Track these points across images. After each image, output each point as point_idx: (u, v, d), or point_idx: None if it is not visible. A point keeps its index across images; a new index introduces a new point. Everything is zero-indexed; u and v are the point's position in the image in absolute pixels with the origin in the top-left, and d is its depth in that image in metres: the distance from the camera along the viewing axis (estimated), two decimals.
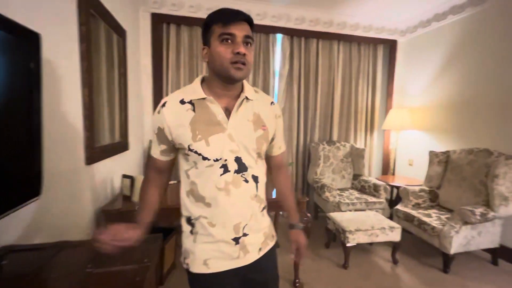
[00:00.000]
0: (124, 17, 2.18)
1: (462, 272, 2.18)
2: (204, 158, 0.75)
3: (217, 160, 0.76)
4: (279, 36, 3.20)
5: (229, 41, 0.72)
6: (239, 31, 0.72)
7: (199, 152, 0.75)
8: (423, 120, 3.27)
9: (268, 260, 0.89)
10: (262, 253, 0.87)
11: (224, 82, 0.77)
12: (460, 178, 2.52)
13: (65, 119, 1.30)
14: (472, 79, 2.71)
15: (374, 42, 3.43)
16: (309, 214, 1.90)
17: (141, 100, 2.83)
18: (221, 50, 0.72)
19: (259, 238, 0.86)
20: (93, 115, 1.50)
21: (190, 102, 0.76)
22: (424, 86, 3.27)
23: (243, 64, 0.72)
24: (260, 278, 0.88)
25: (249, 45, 0.75)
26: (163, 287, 1.94)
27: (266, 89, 3.20)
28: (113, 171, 1.95)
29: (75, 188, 1.40)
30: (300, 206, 1.88)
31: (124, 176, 1.81)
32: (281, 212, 3.19)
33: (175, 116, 0.75)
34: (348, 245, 2.19)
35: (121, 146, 2.07)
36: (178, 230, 2.22)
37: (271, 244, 0.92)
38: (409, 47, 3.50)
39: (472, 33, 2.70)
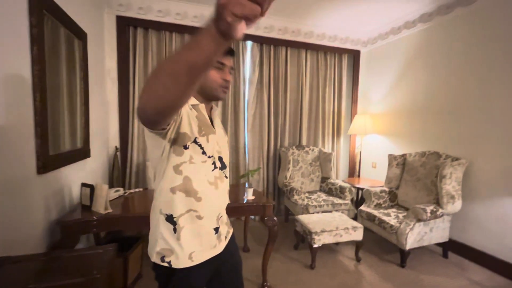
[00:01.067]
0: (86, 19, 2.10)
1: (417, 266, 2.36)
2: (203, 153, 0.84)
3: (210, 157, 0.87)
4: (249, 44, 3.27)
5: (220, 69, 0.87)
6: (228, 62, 0.89)
7: (202, 145, 0.84)
8: (384, 125, 3.51)
9: (232, 244, 1.05)
10: (227, 240, 1.00)
11: (208, 98, 0.92)
12: (415, 179, 2.73)
13: (13, 126, 1.22)
14: (424, 88, 2.97)
15: (339, 51, 3.63)
16: (275, 218, 1.95)
17: (106, 105, 2.72)
18: (213, 74, 0.86)
19: (225, 227, 1.00)
20: (46, 121, 1.43)
21: (191, 106, 0.86)
22: (384, 93, 3.52)
23: (227, 88, 0.90)
24: (231, 261, 1.03)
25: (231, 73, 0.92)
26: None
27: (237, 96, 3.24)
28: (72, 180, 1.85)
29: (26, 199, 1.32)
30: (268, 210, 1.93)
31: (83, 184, 1.73)
32: (252, 217, 3.22)
33: (186, 110, 0.82)
34: (314, 246, 2.27)
35: (82, 153, 1.98)
36: (145, 239, 2.16)
37: (231, 231, 1.07)
38: (371, 57, 3.75)
39: (424, 46, 2.98)
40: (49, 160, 1.47)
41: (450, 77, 2.71)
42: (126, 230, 1.74)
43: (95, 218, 1.53)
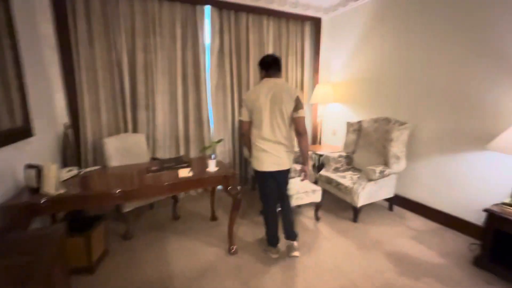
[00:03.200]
0: None
1: (366, 219, 2.67)
2: None
3: None
4: (207, 9, 3.05)
5: None
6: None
7: None
8: (344, 94, 3.66)
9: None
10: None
11: None
12: (369, 143, 2.97)
13: None
14: (379, 57, 3.10)
15: (301, 19, 3.56)
16: (239, 187, 2.02)
17: (47, 78, 2.43)
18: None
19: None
20: None
21: None
22: (344, 62, 3.62)
23: None
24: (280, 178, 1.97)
25: None
26: (95, 276, 1.87)
27: (196, 64, 3.09)
28: (13, 163, 1.69)
29: None
30: (231, 180, 1.98)
31: (28, 166, 1.60)
32: (219, 187, 3.29)
33: None
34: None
35: (22, 132, 1.79)
36: (106, 217, 2.12)
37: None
38: (332, 25, 3.76)
39: (380, 15, 3.05)
40: None
41: (400, 46, 2.85)
42: (85, 209, 1.68)
43: (43, 200, 1.45)
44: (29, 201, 1.44)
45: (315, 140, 4.02)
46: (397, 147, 2.60)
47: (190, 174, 1.93)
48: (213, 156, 2.06)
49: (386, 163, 2.68)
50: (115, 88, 2.76)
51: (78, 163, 2.68)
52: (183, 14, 2.93)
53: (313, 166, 3.27)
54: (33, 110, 1.96)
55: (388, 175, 2.60)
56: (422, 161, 2.73)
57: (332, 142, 3.90)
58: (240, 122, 2.07)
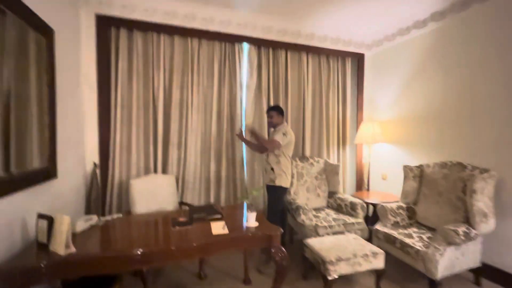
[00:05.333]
0: (53, 14, 1.77)
1: None
2: None
3: None
4: (245, 45, 2.97)
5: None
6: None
7: None
8: (394, 133, 3.22)
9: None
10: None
11: None
12: (436, 193, 2.42)
13: None
14: (439, 91, 2.70)
15: (342, 55, 3.37)
16: (284, 250, 1.59)
17: (81, 116, 2.35)
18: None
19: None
20: None
21: None
22: (393, 99, 3.25)
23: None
24: None
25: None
26: None
27: (232, 102, 2.92)
28: (28, 209, 1.47)
29: None
30: (273, 240, 1.57)
31: (40, 216, 1.35)
32: None
33: None
34: (329, 278, 1.91)
35: (44, 173, 1.60)
36: (121, 277, 1.76)
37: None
38: (376, 61, 3.50)
39: (435, 47, 2.73)
40: None
41: (467, 79, 2.44)
42: (96, 274, 1.36)
43: (43, 265, 1.14)
44: (26, 266, 1.14)
45: (361, 185, 3.50)
46: (482, 201, 2.03)
47: (225, 230, 1.56)
48: (250, 207, 1.70)
49: (467, 221, 2.10)
50: (148, 126, 2.63)
51: (102, 206, 2.45)
52: (221, 51, 2.86)
53: (365, 217, 2.73)
54: (61, 149, 1.80)
55: (475, 238, 2.00)
56: None
57: (383, 189, 3.35)
58: (279, 144, 2.42)
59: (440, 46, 2.69)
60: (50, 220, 1.31)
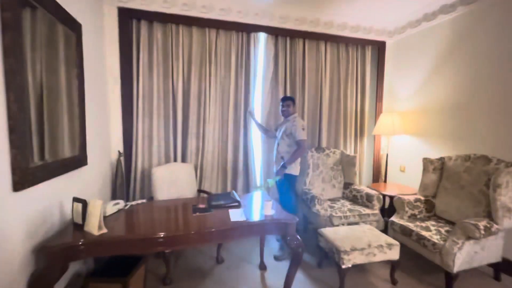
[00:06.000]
0: (80, 8, 1.86)
1: None
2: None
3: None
4: (262, 36, 2.96)
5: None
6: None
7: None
8: (414, 124, 3.12)
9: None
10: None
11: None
12: (458, 187, 2.36)
13: None
14: (465, 81, 2.58)
15: (362, 43, 3.26)
16: (299, 238, 1.64)
17: (106, 107, 2.48)
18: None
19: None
20: (24, 126, 1.17)
21: None
22: (414, 89, 3.13)
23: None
24: None
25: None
26: None
27: (249, 92, 2.94)
28: (64, 193, 1.61)
29: None
30: (289, 228, 1.62)
31: (75, 199, 1.48)
32: None
33: None
34: (343, 267, 1.95)
35: (76, 161, 1.73)
36: (147, 259, 1.90)
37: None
38: (398, 49, 3.36)
39: (464, 33, 2.58)
40: (30, 173, 1.22)
41: (498, 67, 2.31)
42: (125, 253, 1.48)
43: (81, 243, 1.27)
44: (67, 244, 1.27)
45: (378, 177, 3.46)
46: (507, 196, 1.97)
47: (243, 217, 1.63)
48: (267, 197, 1.75)
49: (489, 215, 2.04)
50: (168, 116, 2.72)
51: (127, 192, 2.61)
52: (239, 42, 2.86)
53: (381, 209, 2.72)
54: (90, 139, 1.93)
55: (496, 233, 1.95)
56: None
57: (400, 180, 3.29)
58: (304, 141, 2.48)
59: (468, 32, 2.54)
60: (85, 204, 1.43)
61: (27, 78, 1.22)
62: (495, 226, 1.93)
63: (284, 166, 2.45)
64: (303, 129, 2.48)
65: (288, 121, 2.56)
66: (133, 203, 1.92)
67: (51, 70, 1.48)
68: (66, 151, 1.63)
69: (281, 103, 2.63)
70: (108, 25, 2.47)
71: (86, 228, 1.41)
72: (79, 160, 1.76)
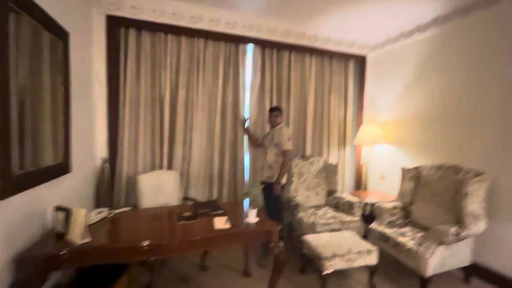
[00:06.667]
0: (69, 17, 1.86)
1: None
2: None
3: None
4: (250, 47, 3.05)
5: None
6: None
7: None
8: (394, 134, 3.29)
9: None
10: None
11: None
12: (431, 195, 2.50)
13: None
14: (439, 94, 2.77)
15: (345, 57, 3.43)
16: (282, 245, 1.70)
17: (92, 113, 2.46)
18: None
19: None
20: (7, 135, 1.18)
21: None
22: (393, 100, 3.31)
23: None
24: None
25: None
26: None
27: (236, 102, 3.01)
28: (46, 201, 1.59)
29: None
30: (272, 236, 1.68)
31: (58, 208, 1.47)
32: None
33: None
34: (324, 272, 2.02)
35: (60, 169, 1.72)
36: (131, 267, 1.89)
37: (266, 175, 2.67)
38: (379, 63, 3.55)
39: (437, 51, 2.78)
40: (12, 181, 1.21)
41: (468, 83, 2.51)
42: (109, 262, 1.48)
43: (64, 252, 1.27)
44: (49, 253, 1.26)
45: (359, 185, 3.59)
46: (474, 204, 2.12)
47: (227, 225, 1.67)
48: (250, 205, 1.80)
49: (459, 222, 2.18)
50: (155, 123, 2.73)
51: (111, 199, 2.58)
52: (226, 52, 2.94)
53: (362, 216, 2.83)
54: (74, 145, 1.91)
55: (465, 238, 2.09)
56: (507, 221, 2.18)
57: (380, 189, 3.44)
58: (289, 151, 2.56)
59: (441, 50, 2.74)
60: (68, 212, 1.43)
61: (10, 85, 1.21)
62: (464, 232, 2.07)
63: (278, 182, 2.52)
64: (289, 139, 2.56)
65: (275, 130, 2.64)
66: (117, 211, 1.91)
67: (35, 77, 1.48)
68: (50, 159, 1.61)
69: (269, 113, 2.70)
70: (96, 32, 2.47)
71: (68, 237, 1.40)
72: (62, 168, 1.74)
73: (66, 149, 1.78)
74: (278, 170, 2.56)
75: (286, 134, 2.56)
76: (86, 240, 1.39)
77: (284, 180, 2.63)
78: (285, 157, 2.54)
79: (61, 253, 1.26)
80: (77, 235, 1.37)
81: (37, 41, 1.48)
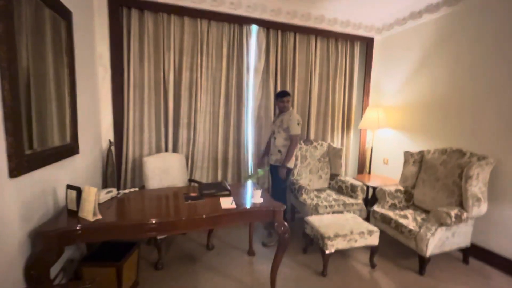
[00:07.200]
0: None
1: (436, 273, 2.18)
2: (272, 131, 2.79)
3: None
4: (254, 28, 2.98)
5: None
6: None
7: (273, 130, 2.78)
8: (398, 119, 3.27)
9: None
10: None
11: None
12: (434, 179, 2.52)
13: None
14: (446, 79, 2.72)
15: (351, 38, 3.35)
16: (286, 224, 1.74)
17: (97, 95, 2.47)
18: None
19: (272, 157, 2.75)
20: (19, 114, 1.20)
21: None
22: (399, 85, 3.27)
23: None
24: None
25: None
26: None
27: (240, 84, 2.98)
28: (58, 180, 1.64)
29: None
30: (276, 215, 1.72)
31: (69, 187, 1.52)
32: None
33: None
34: (327, 252, 2.08)
35: (68, 149, 1.75)
36: (139, 244, 1.97)
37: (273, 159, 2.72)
38: (385, 45, 3.47)
39: (447, 33, 2.70)
40: (25, 160, 1.25)
41: (476, 66, 2.45)
42: (119, 239, 1.54)
43: (78, 227, 1.32)
44: (64, 228, 1.32)
45: (363, 169, 3.62)
46: (477, 187, 2.14)
47: (233, 205, 1.71)
48: (256, 186, 1.84)
49: (460, 204, 2.22)
50: (159, 106, 2.74)
51: (118, 181, 2.64)
52: (230, 33, 2.88)
53: (364, 199, 2.87)
54: (81, 127, 1.94)
55: (466, 220, 2.13)
56: (507, 203, 2.21)
57: (383, 173, 3.46)
58: (297, 136, 2.59)
59: (451, 32, 2.66)
60: (79, 191, 1.47)
61: (18, 66, 1.22)
62: (465, 214, 2.11)
63: (284, 166, 2.55)
64: (298, 124, 2.58)
65: (285, 115, 2.63)
66: (126, 191, 1.96)
67: (47, 59, 1.48)
68: (58, 140, 1.64)
69: (280, 98, 2.62)
70: (98, 13, 2.43)
71: (80, 214, 1.45)
72: (71, 149, 1.78)
73: (73, 131, 1.81)
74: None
75: (295, 119, 2.57)
76: (97, 217, 1.44)
77: (291, 164, 2.65)
78: (292, 142, 2.56)
79: (74, 229, 1.31)
80: (89, 212, 1.42)
81: (40, 20, 1.46)
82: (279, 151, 2.63)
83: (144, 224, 1.49)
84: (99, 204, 1.68)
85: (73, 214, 1.49)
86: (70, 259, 1.81)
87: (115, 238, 1.53)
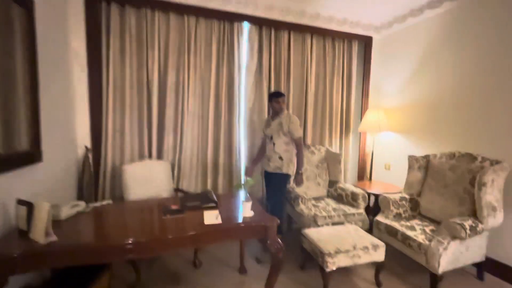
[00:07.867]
0: None
1: None
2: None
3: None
4: (245, 25, 2.79)
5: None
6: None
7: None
8: (400, 121, 3.08)
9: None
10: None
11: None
12: (442, 185, 2.31)
13: None
14: (450, 78, 2.54)
15: (348, 37, 3.17)
16: (280, 242, 1.50)
17: (71, 96, 2.23)
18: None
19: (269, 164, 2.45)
20: None
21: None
22: (400, 85, 3.08)
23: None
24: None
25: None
26: None
27: (230, 85, 2.77)
28: (10, 194, 1.38)
29: None
30: (269, 231, 1.48)
31: (20, 202, 1.27)
32: None
33: None
34: (327, 270, 1.84)
35: (26, 157, 1.50)
36: (110, 266, 1.70)
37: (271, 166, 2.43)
38: (385, 44, 3.30)
39: (450, 29, 2.54)
40: None
41: (483, 64, 2.27)
42: (80, 264, 1.28)
43: (15, 255, 1.06)
44: (2, 255, 1.06)
45: (363, 175, 3.40)
46: (492, 194, 1.93)
47: (218, 220, 1.47)
48: (247, 197, 1.61)
49: (473, 214, 2.00)
50: (142, 109, 2.51)
51: (95, 192, 2.38)
52: (220, 31, 2.68)
53: (366, 208, 2.64)
54: (46, 131, 1.69)
55: (481, 232, 1.91)
56: None
57: (385, 179, 3.25)
58: (302, 138, 2.44)
59: (454, 29, 2.49)
60: (30, 207, 1.22)
61: None
62: (480, 225, 1.89)
63: (298, 173, 2.41)
64: (300, 125, 2.46)
65: (282, 117, 2.38)
66: (97, 204, 1.71)
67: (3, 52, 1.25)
68: (16, 146, 1.40)
69: (274, 99, 2.38)
70: (73, 6, 2.22)
71: (31, 236, 1.21)
72: (29, 156, 1.53)
73: (34, 135, 1.57)
74: (288, 161, 2.39)
75: (296, 120, 2.36)
76: (51, 239, 1.19)
77: (291, 171, 2.46)
78: (298, 145, 2.38)
79: (14, 256, 1.06)
80: (40, 233, 1.17)
81: (2, 11, 1.24)
82: (280, 157, 2.38)
83: (110, 246, 1.25)
84: (62, 221, 1.44)
85: (24, 235, 1.24)
86: (28, 285, 1.54)
87: (76, 264, 1.28)
